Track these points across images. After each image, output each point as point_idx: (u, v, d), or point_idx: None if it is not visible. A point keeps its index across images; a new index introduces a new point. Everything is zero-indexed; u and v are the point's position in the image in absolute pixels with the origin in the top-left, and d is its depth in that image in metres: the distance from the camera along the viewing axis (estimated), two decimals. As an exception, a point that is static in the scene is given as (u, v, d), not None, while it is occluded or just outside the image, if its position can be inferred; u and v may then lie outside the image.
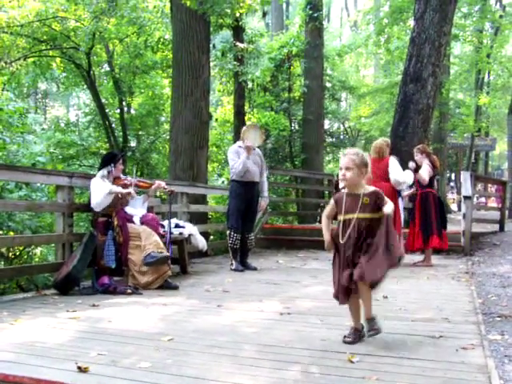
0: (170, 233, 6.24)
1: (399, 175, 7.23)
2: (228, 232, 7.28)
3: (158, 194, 7.08)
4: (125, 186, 5.95)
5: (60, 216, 5.83)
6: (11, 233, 7.45)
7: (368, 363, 2.94)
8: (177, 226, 6.79)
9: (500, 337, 3.59)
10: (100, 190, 5.60)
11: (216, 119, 18.41)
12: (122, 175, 6.17)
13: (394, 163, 7.32)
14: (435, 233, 7.46)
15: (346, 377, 2.72)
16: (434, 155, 7.84)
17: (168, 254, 5.77)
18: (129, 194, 5.78)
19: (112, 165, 5.89)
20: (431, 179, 7.62)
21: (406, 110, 11.13)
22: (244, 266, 7.27)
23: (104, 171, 5.86)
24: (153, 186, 6.35)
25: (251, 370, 2.83)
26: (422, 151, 7.71)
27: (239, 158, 7.09)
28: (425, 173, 7.52)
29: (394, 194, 7.30)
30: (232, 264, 7.26)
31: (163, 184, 6.48)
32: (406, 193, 7.96)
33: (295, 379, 2.68)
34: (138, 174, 14.96)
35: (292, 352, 3.18)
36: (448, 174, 29.71)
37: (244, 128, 7.30)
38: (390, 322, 3.95)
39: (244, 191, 7.17)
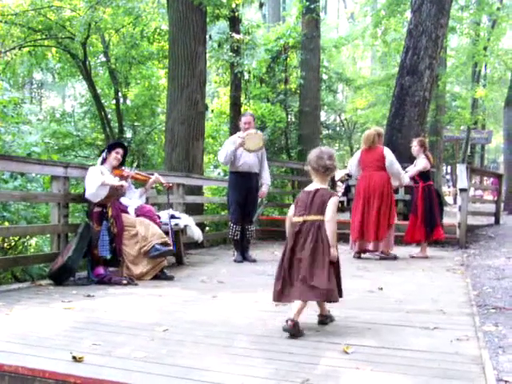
0: (172, 227, 6.23)
1: (400, 168, 7.32)
2: (229, 223, 7.36)
3: (154, 185, 7.07)
4: (122, 177, 5.93)
5: (55, 206, 5.81)
6: (6, 223, 7.42)
7: (362, 354, 2.95)
8: (172, 216, 6.77)
9: (494, 328, 3.61)
10: (93, 182, 5.56)
11: (212, 110, 18.35)
12: (123, 167, 6.14)
13: (390, 154, 7.35)
14: (439, 224, 7.53)
15: (340, 367, 2.73)
16: (428, 152, 7.85)
17: (172, 248, 5.81)
18: (121, 186, 5.74)
19: (105, 151, 5.90)
20: (428, 172, 7.65)
21: (403, 103, 11.14)
22: (244, 258, 7.28)
23: (99, 159, 5.89)
24: (150, 180, 6.33)
25: (245, 361, 2.83)
26: (421, 144, 7.73)
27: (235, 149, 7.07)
28: (422, 163, 7.55)
29: (390, 183, 7.34)
30: (234, 254, 7.32)
31: (161, 178, 6.46)
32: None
33: (289, 370, 2.68)
34: (135, 164, 14.95)
35: (286, 343, 3.18)
36: (444, 167, 29.75)
37: (247, 132, 7.03)
38: (385, 314, 3.97)
39: (242, 183, 7.14)
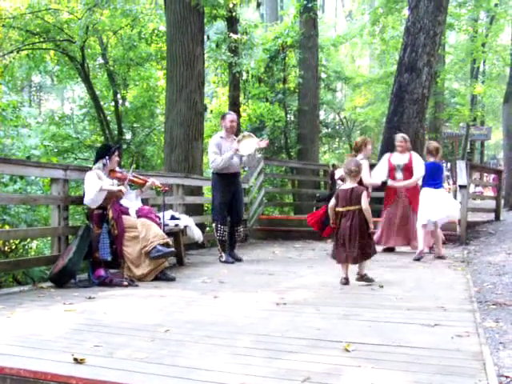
0: (165, 224, 6.24)
1: None
2: (214, 225, 7.20)
3: (152, 187, 7.08)
4: (120, 179, 5.93)
5: (55, 209, 5.81)
6: (6, 226, 7.43)
7: (364, 352, 2.95)
8: (172, 217, 6.78)
9: (495, 324, 3.61)
10: (91, 188, 5.55)
11: (211, 111, 18.34)
12: (118, 168, 6.14)
13: None
14: None
15: (341, 365, 2.73)
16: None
17: (174, 249, 5.83)
18: (120, 191, 5.73)
19: (107, 158, 5.87)
20: None
21: (401, 100, 11.12)
22: (230, 256, 7.24)
23: (99, 164, 5.85)
24: (147, 184, 6.33)
25: (246, 360, 2.83)
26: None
27: (220, 151, 6.97)
28: None
29: None
30: (222, 256, 7.19)
31: (157, 182, 6.46)
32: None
33: (290, 368, 2.69)
34: (134, 166, 14.95)
35: (287, 342, 3.18)
36: (444, 164, 29.74)
37: (240, 135, 7.05)
38: (386, 311, 3.97)
39: (227, 183, 7.06)
